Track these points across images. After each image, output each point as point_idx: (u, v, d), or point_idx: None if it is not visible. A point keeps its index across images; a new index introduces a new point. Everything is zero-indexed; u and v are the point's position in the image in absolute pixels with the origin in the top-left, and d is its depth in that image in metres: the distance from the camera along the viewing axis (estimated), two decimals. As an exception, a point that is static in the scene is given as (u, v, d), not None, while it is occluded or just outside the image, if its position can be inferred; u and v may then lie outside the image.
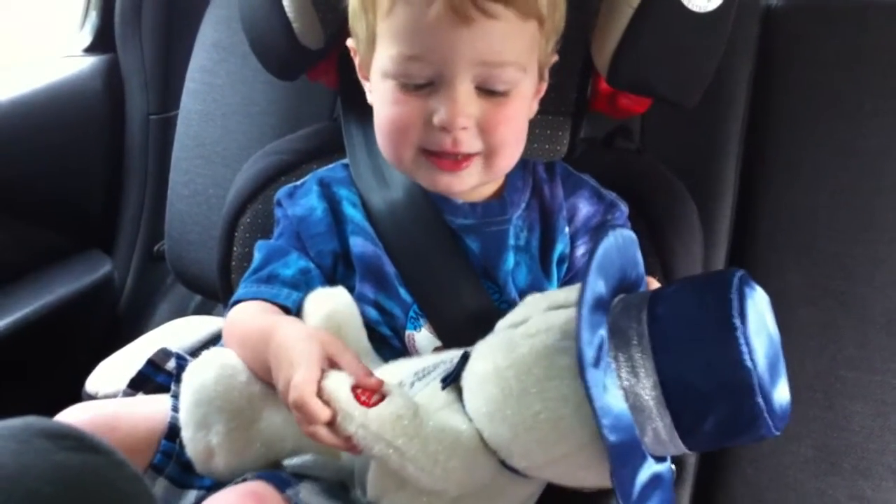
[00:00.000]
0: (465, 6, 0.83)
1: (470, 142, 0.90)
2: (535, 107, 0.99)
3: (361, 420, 0.74)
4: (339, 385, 0.76)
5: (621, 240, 0.77)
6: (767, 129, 1.36)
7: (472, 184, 0.94)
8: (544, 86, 0.99)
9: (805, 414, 1.29)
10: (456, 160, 0.91)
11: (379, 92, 0.93)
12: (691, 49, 1.03)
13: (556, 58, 0.98)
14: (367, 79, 0.97)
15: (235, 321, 0.96)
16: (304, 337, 0.82)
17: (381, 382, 0.78)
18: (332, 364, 0.79)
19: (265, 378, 0.87)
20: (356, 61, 0.99)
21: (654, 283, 0.88)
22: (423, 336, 0.96)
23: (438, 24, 0.84)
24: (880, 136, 1.30)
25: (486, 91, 0.89)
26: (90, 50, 1.68)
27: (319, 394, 0.76)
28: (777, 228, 1.34)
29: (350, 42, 0.99)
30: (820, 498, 1.29)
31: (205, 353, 0.93)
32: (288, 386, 0.78)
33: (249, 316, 0.94)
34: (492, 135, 0.90)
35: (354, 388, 0.77)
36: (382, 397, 0.77)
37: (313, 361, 0.78)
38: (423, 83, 0.88)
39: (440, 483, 0.76)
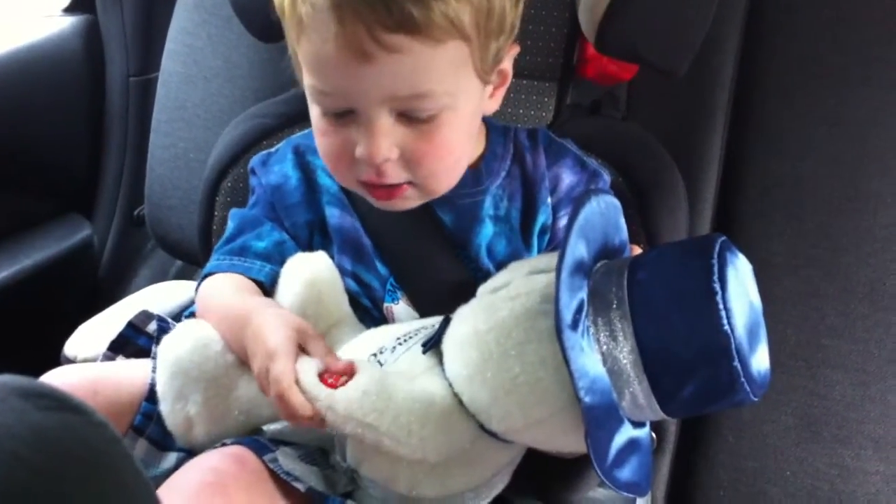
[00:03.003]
0: (360, 42, 0.76)
1: (395, 173, 0.85)
2: (496, 103, 0.93)
3: (328, 402, 0.74)
4: (305, 370, 0.76)
5: (604, 205, 0.77)
6: (754, 97, 1.36)
7: (415, 203, 0.91)
8: (509, 74, 0.92)
9: (787, 382, 1.30)
10: (388, 189, 0.87)
11: (310, 114, 0.89)
12: (681, 15, 1.02)
13: (515, 49, 0.91)
14: None
15: (209, 296, 0.95)
16: (277, 326, 0.81)
17: (348, 366, 0.78)
18: (302, 350, 0.79)
19: (245, 359, 0.86)
20: None
21: (639, 251, 0.87)
22: (400, 308, 0.95)
23: (338, 60, 0.78)
24: (867, 105, 1.30)
25: (411, 118, 0.82)
26: (69, 10, 1.65)
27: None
28: (762, 197, 1.34)
29: None
30: (800, 465, 1.30)
31: (178, 325, 0.93)
32: (265, 375, 0.78)
33: (224, 293, 0.93)
34: (419, 166, 0.85)
35: (323, 373, 0.77)
36: (352, 377, 0.76)
37: (289, 351, 0.78)
38: (342, 112, 0.83)
39: (418, 452, 0.76)
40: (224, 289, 0.94)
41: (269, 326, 0.81)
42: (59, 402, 0.55)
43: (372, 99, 0.80)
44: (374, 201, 0.90)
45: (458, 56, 0.81)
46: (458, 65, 0.82)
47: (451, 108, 0.83)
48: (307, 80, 0.84)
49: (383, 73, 0.78)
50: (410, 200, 0.90)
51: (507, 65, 0.91)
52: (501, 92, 0.93)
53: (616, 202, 0.80)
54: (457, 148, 0.88)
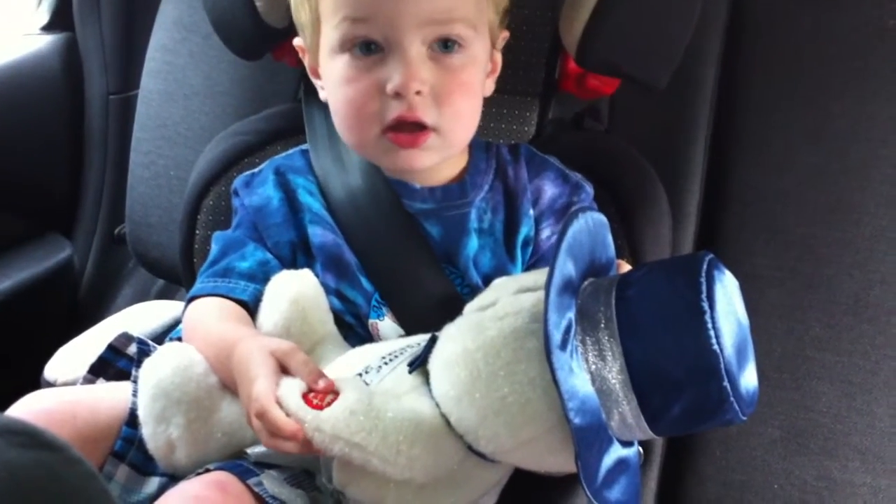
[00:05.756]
0: None
1: (425, 109, 0.88)
2: (490, 86, 0.98)
3: (315, 423, 0.73)
4: (289, 392, 0.75)
5: (591, 223, 0.77)
6: (736, 109, 1.36)
7: (433, 160, 0.93)
8: (499, 62, 0.98)
9: (773, 395, 1.30)
10: (413, 134, 0.89)
11: (331, 74, 0.92)
12: (661, 29, 1.02)
13: (506, 34, 0.98)
14: (319, 76, 0.96)
15: (195, 321, 0.95)
16: (259, 352, 0.80)
17: (331, 383, 0.77)
18: (284, 371, 0.78)
19: (232, 386, 0.85)
20: (306, 62, 0.98)
21: (626, 267, 0.88)
22: (386, 325, 0.95)
23: None
24: (847, 117, 1.31)
25: (441, 49, 0.88)
26: (48, 28, 1.65)
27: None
28: (745, 210, 1.34)
29: (297, 41, 0.98)
30: (787, 478, 1.30)
31: (160, 348, 0.92)
32: (248, 401, 0.77)
33: (208, 320, 0.93)
34: (447, 103, 0.89)
35: (307, 394, 0.75)
36: (337, 395, 0.75)
37: (269, 372, 0.77)
38: (373, 50, 0.87)
39: (405, 472, 0.75)
40: (209, 315, 0.93)
41: (252, 354, 0.80)
42: (34, 438, 0.54)
43: (409, 21, 0.85)
44: (396, 155, 0.91)
45: None
46: (479, 4, 0.90)
47: (473, 47, 0.90)
48: (336, 19, 0.87)
49: None
50: (430, 153, 0.92)
51: (498, 52, 0.98)
52: (493, 78, 0.99)
53: (603, 219, 0.80)
54: (477, 94, 0.93)
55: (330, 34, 0.89)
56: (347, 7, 0.87)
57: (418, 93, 0.87)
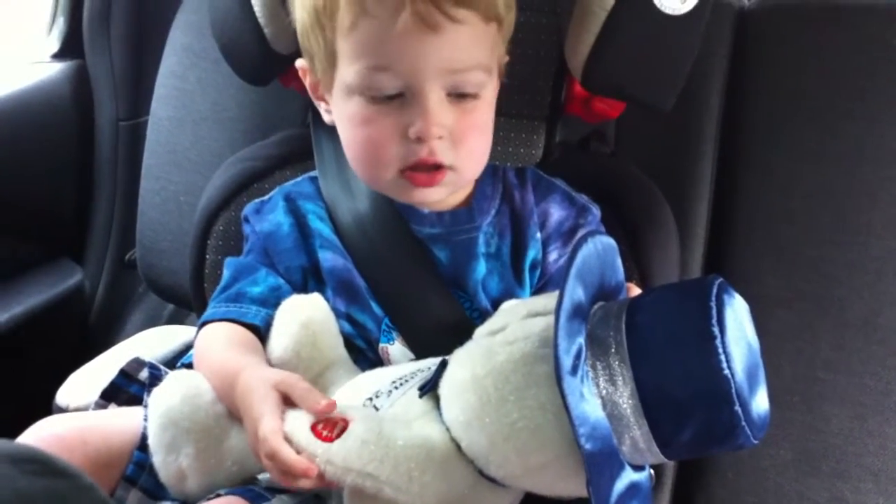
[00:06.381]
0: (431, 14, 0.83)
1: (444, 152, 0.89)
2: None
3: (326, 457, 0.73)
4: (296, 427, 0.74)
5: (601, 246, 0.77)
6: (742, 130, 1.37)
7: (445, 194, 0.95)
8: (498, 85, 0.99)
9: (783, 417, 1.29)
10: (430, 173, 0.90)
11: (345, 111, 0.92)
12: (665, 52, 1.03)
13: (506, 58, 0.98)
14: (323, 98, 0.96)
15: (203, 347, 0.95)
16: (261, 386, 0.80)
17: (333, 405, 0.76)
18: (288, 402, 0.78)
19: (238, 415, 0.85)
20: (306, 82, 0.98)
21: (635, 290, 0.88)
22: (396, 349, 0.95)
23: (406, 34, 0.84)
24: (852, 137, 1.31)
25: (456, 96, 0.88)
26: (58, 56, 1.66)
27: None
28: (753, 231, 1.34)
29: (300, 62, 0.98)
30: (799, 501, 1.29)
31: (169, 376, 0.92)
32: (255, 439, 0.77)
33: (215, 346, 0.93)
34: (463, 144, 0.90)
35: (315, 425, 0.75)
36: (347, 423, 0.75)
37: (272, 408, 0.76)
38: (393, 94, 0.87)
39: (418, 499, 0.75)
40: (216, 342, 0.93)
41: (254, 387, 0.80)
42: (46, 466, 0.54)
43: (432, 70, 0.85)
44: (412, 192, 0.92)
45: (494, 38, 0.91)
46: (493, 47, 0.91)
47: (487, 88, 0.91)
48: (357, 65, 0.87)
49: (446, 44, 0.85)
50: (444, 188, 0.93)
51: (500, 75, 0.98)
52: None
53: (612, 243, 0.80)
54: (490, 131, 0.95)
55: (347, 74, 0.89)
56: (368, 56, 0.86)
57: (439, 137, 0.88)
